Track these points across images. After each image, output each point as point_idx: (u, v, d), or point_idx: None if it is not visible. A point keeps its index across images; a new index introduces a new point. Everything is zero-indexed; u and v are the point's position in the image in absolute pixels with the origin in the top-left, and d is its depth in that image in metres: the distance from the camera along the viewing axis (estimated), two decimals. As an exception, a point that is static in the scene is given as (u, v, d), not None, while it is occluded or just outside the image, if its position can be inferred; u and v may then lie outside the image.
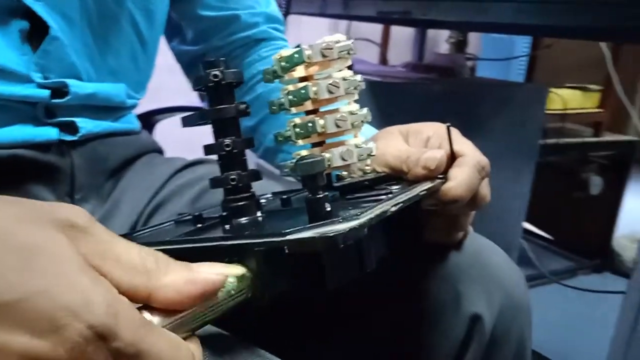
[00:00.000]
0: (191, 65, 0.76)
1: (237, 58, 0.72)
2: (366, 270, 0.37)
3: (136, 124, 0.68)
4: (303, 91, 0.38)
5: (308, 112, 0.41)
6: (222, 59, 0.40)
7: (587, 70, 2.01)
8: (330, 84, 0.37)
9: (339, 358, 0.49)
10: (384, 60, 2.16)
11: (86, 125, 0.56)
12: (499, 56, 1.85)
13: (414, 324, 0.48)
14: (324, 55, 0.37)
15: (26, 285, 0.20)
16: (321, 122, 0.37)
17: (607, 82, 1.88)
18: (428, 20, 0.94)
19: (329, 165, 0.39)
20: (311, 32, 0.76)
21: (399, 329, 0.48)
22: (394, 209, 0.34)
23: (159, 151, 0.71)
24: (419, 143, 0.47)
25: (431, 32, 2.13)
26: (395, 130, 0.48)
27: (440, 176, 0.43)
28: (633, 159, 2.00)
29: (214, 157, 0.42)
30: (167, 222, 0.47)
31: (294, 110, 0.40)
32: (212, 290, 0.26)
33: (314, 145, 0.42)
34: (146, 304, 0.25)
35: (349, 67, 0.41)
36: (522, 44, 1.83)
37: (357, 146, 0.39)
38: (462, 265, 0.48)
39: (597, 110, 1.90)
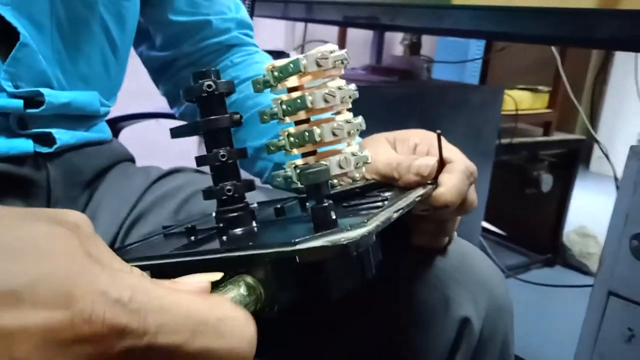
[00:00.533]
0: (160, 71, 0.74)
1: (208, 64, 0.71)
2: (367, 277, 0.37)
3: (108, 133, 0.66)
4: (299, 101, 0.38)
5: (299, 122, 0.41)
6: (213, 69, 0.39)
7: (537, 72, 2.09)
8: (326, 93, 0.37)
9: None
10: (341, 62, 2.18)
11: (62, 136, 0.54)
12: (453, 59, 1.90)
13: (405, 329, 0.49)
14: (319, 65, 0.37)
15: (35, 269, 0.20)
16: (318, 131, 0.37)
17: (555, 83, 1.96)
18: (395, 25, 0.96)
19: (327, 173, 0.39)
20: (267, 33, 0.76)
21: (390, 335, 0.49)
22: (396, 215, 0.34)
23: (132, 160, 0.70)
24: (407, 150, 0.47)
25: (386, 34, 2.16)
26: (381, 137, 0.49)
27: (430, 182, 0.44)
28: (580, 157, 2.10)
29: (190, 165, 0.41)
30: (154, 234, 0.46)
31: (287, 119, 0.40)
32: None
33: (307, 154, 0.41)
34: None
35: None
36: (475, 47, 1.88)
37: (353, 154, 0.39)
38: (448, 269, 0.49)
39: (546, 110, 1.98)
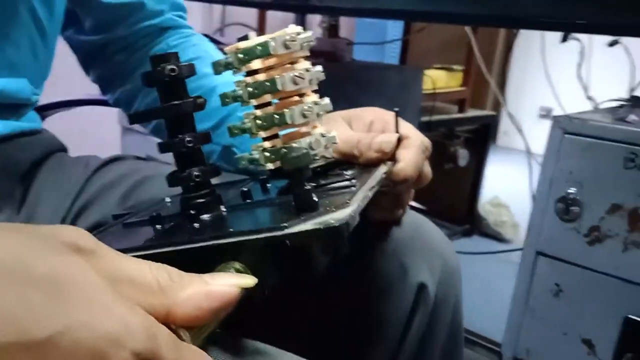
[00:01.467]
0: (91, 56, 0.71)
1: (143, 48, 0.69)
2: (342, 253, 0.39)
3: (39, 122, 0.62)
4: (268, 84, 0.38)
5: (261, 105, 0.41)
6: (172, 52, 0.39)
7: (449, 52, 2.19)
8: (296, 75, 0.37)
9: (298, 338, 0.51)
10: (261, 45, 2.16)
11: None
12: (372, 40, 1.94)
13: (366, 298, 0.51)
14: (287, 47, 0.38)
15: (60, 318, 0.19)
16: (289, 113, 0.38)
17: (467, 62, 2.06)
18: (325, 7, 0.97)
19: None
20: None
21: (352, 305, 0.51)
22: (370, 193, 0.36)
23: (64, 150, 0.66)
24: (363, 128, 0.49)
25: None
26: (337, 116, 0.50)
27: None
28: (491, 132, 2.23)
29: (130, 153, 0.41)
30: (112, 224, 0.45)
31: (254, 102, 0.40)
32: (229, 303, 0.25)
33: (274, 136, 0.42)
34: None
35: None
36: (393, 28, 1.93)
37: (322, 135, 0.40)
38: (404, 239, 0.52)
39: (460, 88, 2.08)
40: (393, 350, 0.50)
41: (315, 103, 0.39)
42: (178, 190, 0.50)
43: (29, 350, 0.18)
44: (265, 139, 0.42)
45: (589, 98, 1.48)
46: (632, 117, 0.72)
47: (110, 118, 1.47)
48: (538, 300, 0.77)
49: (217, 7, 2.11)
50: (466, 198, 2.25)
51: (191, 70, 0.39)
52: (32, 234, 0.21)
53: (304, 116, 0.38)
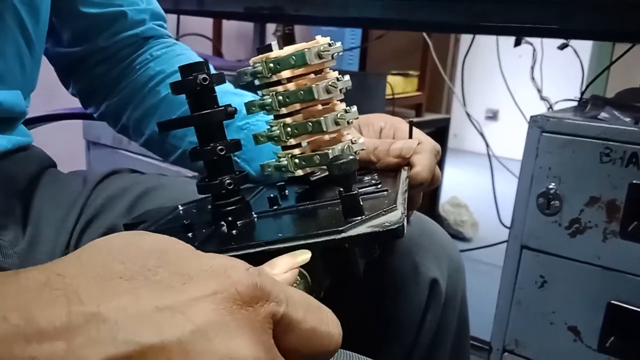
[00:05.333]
0: (71, 69, 0.68)
1: (125, 58, 0.67)
2: (374, 256, 0.40)
3: (30, 136, 0.61)
4: (302, 92, 0.39)
5: (290, 113, 0.42)
6: (201, 61, 0.39)
7: (404, 58, 2.25)
8: (329, 85, 0.38)
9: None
10: (219, 55, 2.15)
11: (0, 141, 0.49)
12: (330, 47, 1.97)
13: (382, 296, 0.52)
14: (320, 57, 0.39)
15: (191, 267, 0.23)
16: (324, 120, 0.39)
17: (422, 68, 2.12)
18: (299, 16, 0.98)
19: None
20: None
21: (368, 302, 0.52)
22: (406, 195, 0.38)
23: (54, 165, 0.65)
24: (373, 134, 0.51)
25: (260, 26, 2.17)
26: None
27: None
28: (447, 134, 2.30)
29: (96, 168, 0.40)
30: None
31: (284, 110, 0.41)
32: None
33: (296, 145, 0.43)
34: None
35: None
36: (350, 35, 1.97)
37: (352, 142, 0.41)
38: (413, 237, 0.54)
39: (416, 93, 2.14)
40: (409, 345, 0.52)
41: (346, 111, 0.40)
42: (184, 199, 0.51)
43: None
44: (293, 147, 0.43)
45: (543, 99, 1.56)
46: (604, 114, 0.77)
47: (75, 132, 1.42)
48: (524, 292, 0.80)
49: (172, 17, 2.07)
50: (427, 199, 2.31)
51: (221, 78, 0.40)
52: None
53: (337, 124, 0.39)
